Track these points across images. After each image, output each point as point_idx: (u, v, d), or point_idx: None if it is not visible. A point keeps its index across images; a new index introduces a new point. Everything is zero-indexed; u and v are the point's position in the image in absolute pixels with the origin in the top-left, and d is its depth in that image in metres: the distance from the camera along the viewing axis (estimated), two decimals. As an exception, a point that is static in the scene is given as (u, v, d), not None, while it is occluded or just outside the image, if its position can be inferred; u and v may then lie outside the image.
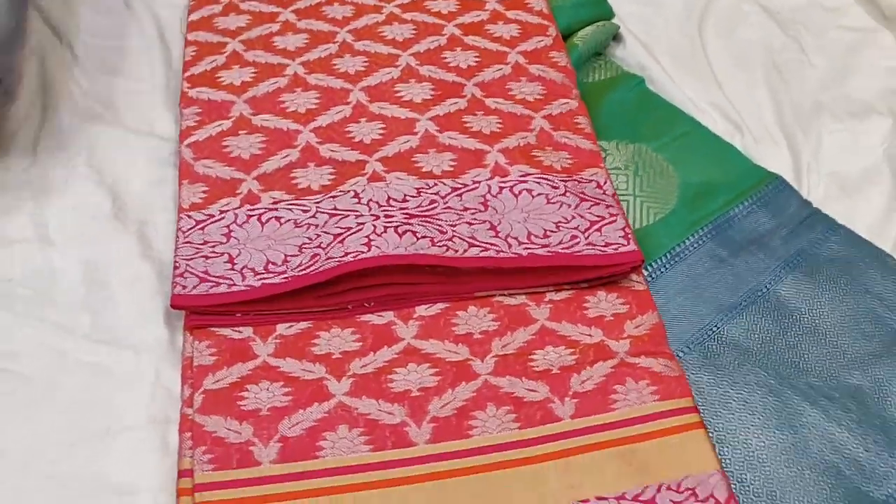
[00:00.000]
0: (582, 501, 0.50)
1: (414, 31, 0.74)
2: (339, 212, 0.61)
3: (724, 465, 0.53)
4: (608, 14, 0.81)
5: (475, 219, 0.60)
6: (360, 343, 0.57)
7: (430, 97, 0.69)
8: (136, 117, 0.70)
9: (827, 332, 0.60)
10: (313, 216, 0.61)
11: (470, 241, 0.59)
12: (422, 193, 0.62)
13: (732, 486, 0.52)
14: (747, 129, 0.75)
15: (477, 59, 0.72)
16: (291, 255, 0.59)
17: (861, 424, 0.55)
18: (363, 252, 0.58)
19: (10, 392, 0.54)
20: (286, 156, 0.65)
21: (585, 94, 0.72)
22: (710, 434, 0.54)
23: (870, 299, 0.62)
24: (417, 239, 0.59)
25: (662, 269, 0.63)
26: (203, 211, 0.61)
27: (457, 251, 0.58)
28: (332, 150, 0.65)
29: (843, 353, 0.59)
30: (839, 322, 0.60)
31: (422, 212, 0.61)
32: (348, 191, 0.62)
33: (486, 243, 0.59)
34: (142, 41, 0.75)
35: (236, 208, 0.61)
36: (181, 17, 0.78)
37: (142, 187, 0.65)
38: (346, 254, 0.58)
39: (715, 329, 0.60)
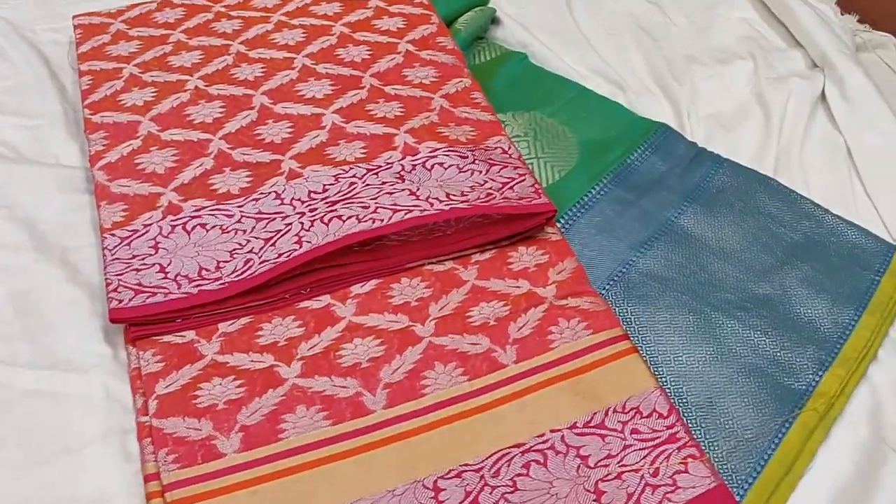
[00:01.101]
0: (538, 436, 0.53)
1: (304, 35, 0.76)
2: (264, 215, 0.63)
3: (660, 382, 0.57)
4: (483, 0, 0.85)
5: (395, 189, 0.63)
6: (303, 328, 0.58)
7: (331, 92, 0.71)
8: (40, 151, 0.70)
9: (732, 252, 0.65)
10: (239, 221, 0.62)
11: (392, 207, 0.61)
12: (339, 179, 0.65)
13: (671, 399, 0.56)
14: (628, 87, 0.80)
15: (369, 53, 0.75)
16: (224, 262, 0.60)
17: (775, 327, 0.61)
18: (295, 250, 0.59)
19: (-39, 429, 0.53)
20: (200, 165, 0.66)
21: (475, 74, 0.76)
22: (643, 357, 0.58)
23: (763, 218, 0.68)
24: (343, 221, 0.61)
25: (574, 219, 0.67)
26: (126, 228, 0.62)
27: (382, 220, 0.61)
28: (244, 154, 0.67)
29: (749, 268, 0.64)
30: (741, 242, 0.66)
31: (343, 196, 0.63)
32: (269, 192, 0.64)
33: (409, 206, 0.61)
34: (32, 79, 0.75)
35: (159, 220, 0.62)
36: (67, 52, 0.78)
37: (57, 216, 0.65)
38: (280, 255, 0.59)
39: (631, 263, 0.64)
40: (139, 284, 0.58)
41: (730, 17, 0.89)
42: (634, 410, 0.54)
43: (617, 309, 0.61)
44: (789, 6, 0.86)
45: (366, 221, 0.61)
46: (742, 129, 0.77)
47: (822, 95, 0.80)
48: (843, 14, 0.91)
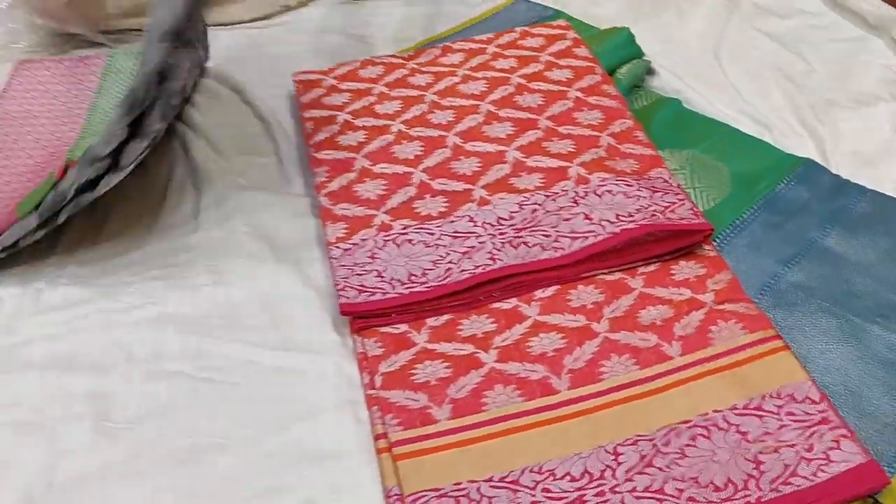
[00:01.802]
0: (702, 415, 0.62)
1: (486, 86, 0.90)
2: (460, 234, 0.75)
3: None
4: (639, 53, 0.97)
5: (571, 214, 0.74)
6: (496, 324, 0.69)
7: (511, 132, 0.84)
8: (272, 183, 0.85)
9: (871, 267, 0.72)
10: (438, 238, 0.75)
11: (571, 235, 0.72)
12: (523, 207, 0.76)
13: (820, 391, 0.63)
14: (774, 128, 0.89)
15: (543, 99, 0.87)
16: (428, 269, 0.72)
17: (912, 332, 0.68)
18: (490, 264, 0.71)
19: (222, 395, 0.66)
20: (405, 192, 0.79)
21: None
22: (794, 354, 0.66)
23: (902, 237, 0.75)
24: (530, 248, 0.72)
25: (728, 239, 0.76)
26: (347, 242, 0.75)
27: (564, 249, 0.72)
28: (442, 184, 0.79)
29: (887, 281, 0.71)
30: (880, 258, 0.73)
31: (527, 223, 0.74)
32: (463, 216, 0.76)
33: (585, 232, 0.72)
34: (261, 126, 0.91)
35: (374, 236, 0.75)
36: (287, 104, 0.94)
37: (290, 233, 0.79)
38: (477, 266, 0.71)
39: (780, 275, 0.72)
40: (361, 286, 0.71)
41: (871, 63, 0.96)
42: (789, 396, 0.62)
43: (768, 314, 0.69)
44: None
45: (549, 250, 0.72)
46: (885, 165, 0.84)
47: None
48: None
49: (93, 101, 0.93)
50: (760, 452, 0.59)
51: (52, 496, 0.60)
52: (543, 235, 0.73)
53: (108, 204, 0.81)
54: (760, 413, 0.61)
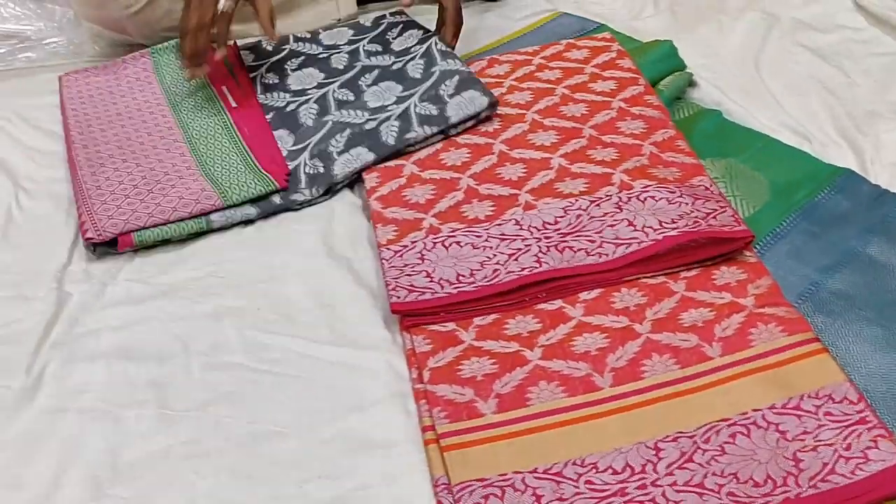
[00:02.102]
0: (741, 414, 0.64)
1: (532, 96, 0.92)
2: (507, 236, 0.77)
3: (849, 380, 0.66)
4: (681, 66, 0.99)
5: (615, 220, 0.76)
6: (541, 324, 0.72)
7: (556, 140, 0.86)
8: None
9: (912, 276, 0.74)
10: (486, 240, 0.77)
11: (615, 241, 0.75)
12: (568, 212, 0.79)
13: (859, 394, 0.65)
14: (814, 139, 0.90)
15: (587, 109, 0.90)
16: (476, 270, 0.75)
17: (951, 339, 0.69)
18: (536, 267, 0.74)
19: (280, 387, 0.69)
20: (453, 197, 0.82)
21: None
22: (833, 356, 0.67)
23: (943, 248, 0.76)
24: (575, 252, 0.75)
25: (768, 246, 0.77)
26: (398, 244, 0.78)
27: (608, 255, 0.74)
28: (489, 189, 0.82)
29: (931, 291, 0.73)
30: (923, 267, 0.75)
31: (572, 228, 0.77)
32: (509, 219, 0.79)
33: (629, 239, 0.74)
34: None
35: (423, 238, 0.78)
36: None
37: (343, 234, 0.83)
38: (523, 269, 0.74)
39: (820, 283, 0.74)
40: (411, 286, 0.74)
41: (913, 76, 0.98)
42: (827, 396, 0.64)
43: (808, 319, 0.70)
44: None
45: (593, 255, 0.74)
46: (927, 177, 0.85)
47: None
48: None
49: (163, 92, 0.99)
50: (799, 451, 0.61)
51: (117, 477, 0.64)
52: (588, 241, 0.75)
53: (168, 204, 0.85)
54: (799, 412, 0.63)
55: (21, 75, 1.09)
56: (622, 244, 0.74)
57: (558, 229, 0.77)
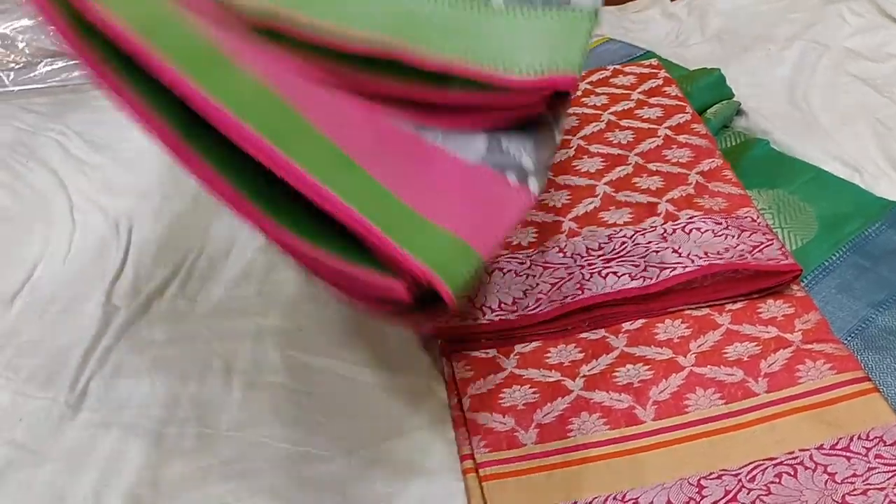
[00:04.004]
0: (788, 453, 0.63)
1: (578, 121, 0.92)
2: (550, 265, 0.77)
3: (900, 421, 0.64)
4: (729, 94, 0.98)
5: (660, 247, 0.75)
6: (583, 354, 0.71)
7: (602, 167, 0.86)
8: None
9: (968, 313, 0.72)
10: (529, 268, 0.77)
11: (660, 265, 0.74)
12: (612, 239, 0.78)
13: (911, 437, 0.63)
14: (864, 171, 0.89)
15: (633, 136, 0.89)
16: (519, 298, 0.74)
17: None
18: (578, 294, 0.73)
19: (321, 409, 0.70)
20: (496, 222, 0.81)
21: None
22: (884, 396, 0.65)
23: None
24: (618, 277, 0.74)
25: (816, 280, 0.76)
26: (440, 268, 0.78)
27: (651, 279, 0.73)
28: (532, 215, 0.82)
29: (985, 329, 0.71)
30: (978, 305, 0.73)
31: (616, 255, 0.76)
32: (553, 247, 0.78)
33: (674, 263, 0.73)
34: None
35: (465, 263, 0.78)
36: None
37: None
38: (565, 297, 0.73)
39: (870, 320, 0.72)
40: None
41: (966, 109, 0.96)
42: (878, 439, 0.62)
43: (858, 356, 0.69)
44: None
45: (637, 279, 0.73)
46: (980, 211, 0.83)
47: None
48: None
49: None
50: (848, 494, 0.59)
51: (157, 496, 0.64)
52: (632, 265, 0.75)
53: (214, 223, 0.86)
54: (848, 454, 0.62)
55: (77, 91, 1.11)
56: (667, 268, 0.74)
57: (602, 255, 0.76)
